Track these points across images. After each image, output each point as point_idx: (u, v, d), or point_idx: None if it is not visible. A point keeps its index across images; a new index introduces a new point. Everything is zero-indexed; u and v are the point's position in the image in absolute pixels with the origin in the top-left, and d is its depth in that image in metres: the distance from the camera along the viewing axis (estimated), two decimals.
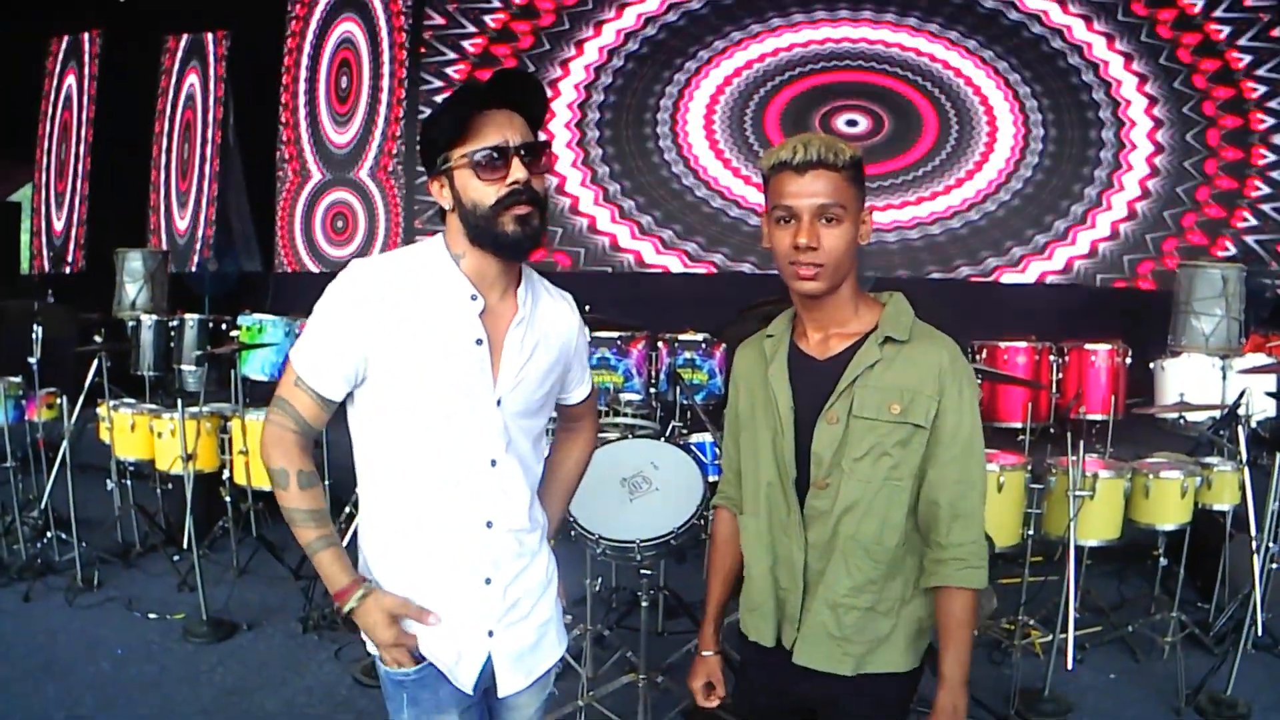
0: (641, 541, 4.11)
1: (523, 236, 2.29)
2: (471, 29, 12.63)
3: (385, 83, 12.96)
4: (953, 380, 2.39)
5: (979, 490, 2.44)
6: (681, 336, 7.53)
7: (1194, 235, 10.63)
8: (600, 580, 5.42)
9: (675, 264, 12.01)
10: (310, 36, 13.32)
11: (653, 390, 7.40)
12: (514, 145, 2.26)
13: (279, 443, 2.36)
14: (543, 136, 2.36)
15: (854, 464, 2.40)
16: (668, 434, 5.55)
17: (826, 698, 2.50)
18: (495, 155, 2.25)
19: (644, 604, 4.47)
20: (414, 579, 2.41)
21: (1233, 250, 10.36)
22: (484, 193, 2.26)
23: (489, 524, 2.41)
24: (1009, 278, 11.14)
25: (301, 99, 13.39)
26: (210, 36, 13.51)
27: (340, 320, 2.30)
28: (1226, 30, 10.54)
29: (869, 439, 2.39)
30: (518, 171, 2.25)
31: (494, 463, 2.40)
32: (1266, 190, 10.42)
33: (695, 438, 5.56)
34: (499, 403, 2.38)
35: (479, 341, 2.35)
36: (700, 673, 2.80)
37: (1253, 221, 10.44)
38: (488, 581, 2.43)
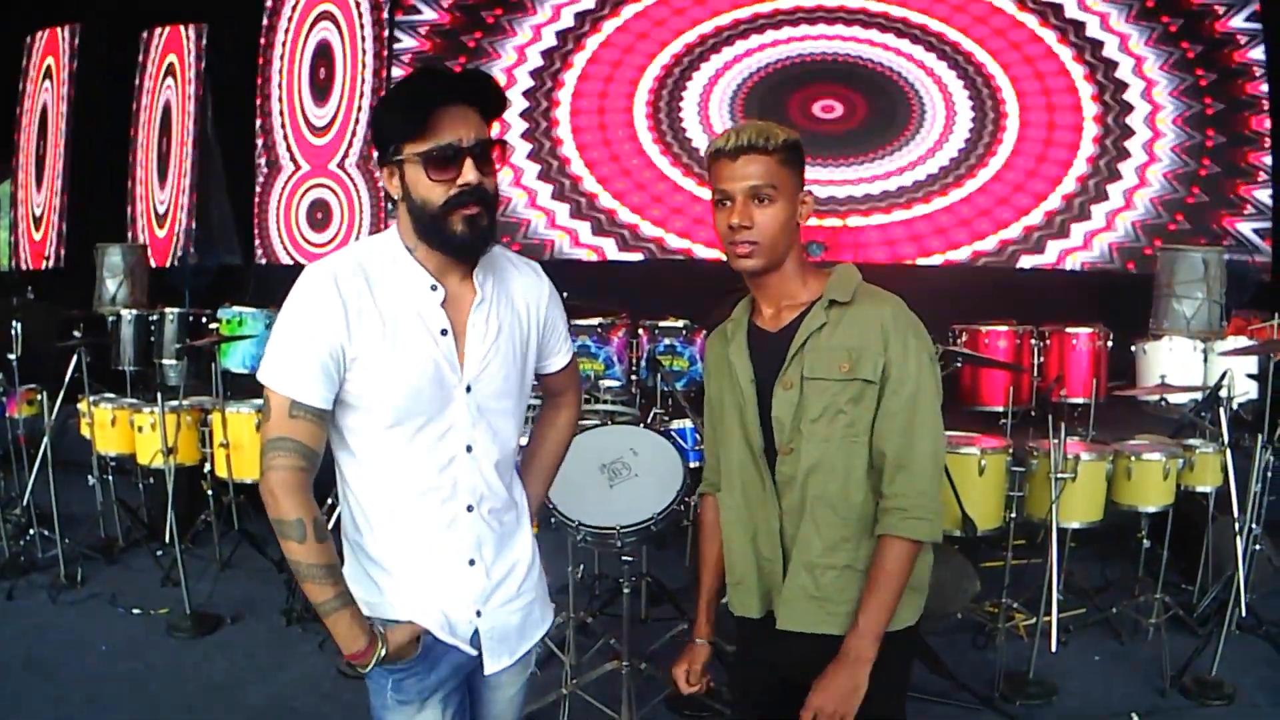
0: (622, 528, 4.12)
1: (471, 237, 2.28)
2: (438, 16, 12.67)
3: (363, 73, 12.93)
4: (896, 334, 2.46)
5: (928, 441, 2.48)
6: (662, 323, 7.53)
7: (1190, 222, 10.70)
8: (582, 568, 5.43)
9: (652, 251, 12.09)
10: (288, 28, 13.28)
11: (633, 377, 7.40)
12: (467, 145, 2.23)
13: (289, 488, 2.23)
14: (496, 131, 2.34)
15: (811, 425, 2.48)
16: (648, 421, 5.55)
17: (819, 664, 2.50)
18: (447, 155, 2.22)
19: (626, 591, 4.46)
20: (398, 566, 2.40)
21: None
22: (433, 191, 2.24)
23: (469, 508, 2.41)
24: (987, 263, 11.20)
25: (280, 91, 13.35)
26: (188, 30, 13.45)
27: (307, 325, 2.24)
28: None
29: (823, 399, 2.47)
30: (469, 173, 2.23)
31: (470, 448, 2.39)
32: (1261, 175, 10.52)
33: (676, 424, 5.58)
34: (469, 389, 2.37)
35: (444, 332, 2.33)
36: (684, 658, 2.83)
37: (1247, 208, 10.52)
38: (471, 563, 2.43)
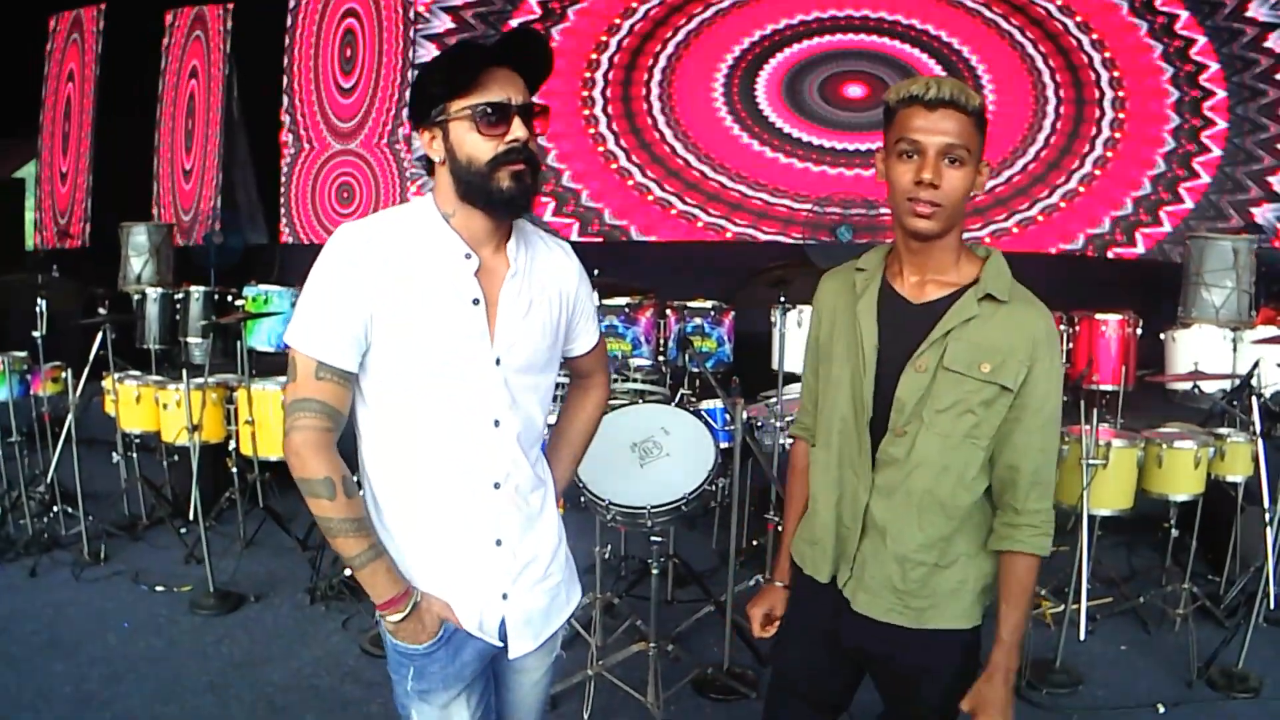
0: (652, 507, 4.10)
1: (517, 194, 2.25)
2: None
3: (390, 53, 12.91)
4: (1047, 349, 2.39)
5: (1054, 457, 2.47)
6: (691, 304, 7.51)
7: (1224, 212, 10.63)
8: (610, 548, 5.42)
9: (679, 232, 12.08)
10: (314, 7, 13.27)
11: (661, 358, 7.39)
12: (516, 104, 2.22)
13: (316, 447, 2.22)
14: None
15: (935, 416, 2.39)
16: (677, 401, 5.53)
17: (883, 651, 2.54)
18: (498, 111, 2.20)
19: (654, 571, 4.46)
20: (426, 545, 2.38)
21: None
22: (481, 148, 2.22)
23: (496, 485, 2.38)
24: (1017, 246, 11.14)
25: (306, 70, 13.34)
26: (213, 9, 13.46)
27: (338, 286, 2.22)
28: None
29: (955, 393, 2.38)
30: (518, 130, 2.22)
31: (497, 423, 2.36)
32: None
33: (705, 404, 5.55)
34: (498, 362, 2.34)
35: (475, 301, 2.30)
36: (765, 600, 2.78)
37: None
38: (498, 543, 2.41)
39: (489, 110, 2.20)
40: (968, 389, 2.36)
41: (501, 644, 2.45)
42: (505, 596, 2.44)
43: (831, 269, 2.69)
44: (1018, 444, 2.40)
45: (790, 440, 2.91)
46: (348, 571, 2.35)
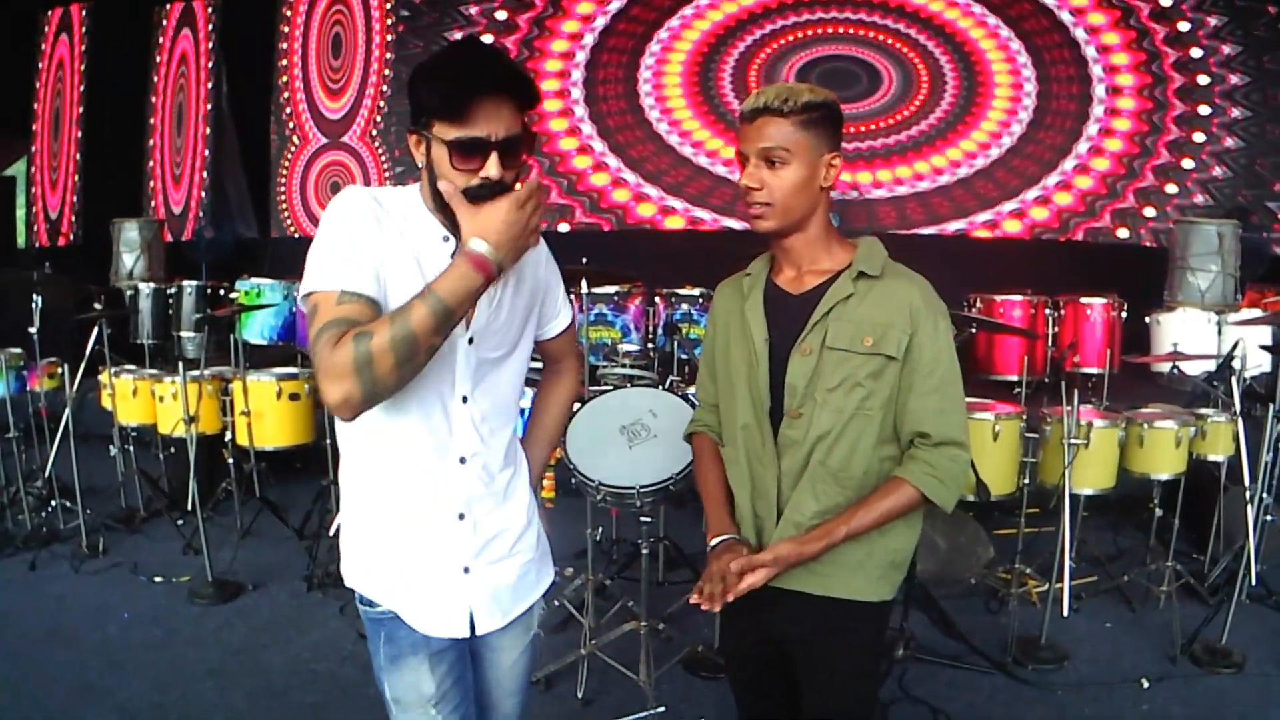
0: (641, 487, 4.14)
1: None
2: None
3: (376, 46, 12.93)
4: (926, 314, 2.48)
5: (961, 416, 2.53)
6: (679, 291, 7.54)
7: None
8: (601, 531, 5.47)
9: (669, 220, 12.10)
10: (303, 2, 13.29)
11: (650, 345, 7.41)
12: (495, 139, 2.21)
13: (339, 343, 2.06)
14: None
15: (827, 394, 2.49)
16: (665, 385, 5.59)
17: (798, 631, 2.59)
18: (474, 147, 2.20)
19: (644, 552, 4.52)
20: (390, 514, 2.43)
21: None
22: (454, 178, 2.22)
23: (462, 459, 2.43)
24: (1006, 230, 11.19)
25: (295, 65, 13.36)
26: (201, 5, 13.47)
27: (352, 228, 2.23)
28: None
29: (842, 370, 2.48)
30: (492, 168, 2.21)
31: (465, 399, 2.41)
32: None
33: (693, 389, 5.60)
34: (471, 341, 2.39)
35: None
36: (724, 556, 2.52)
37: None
38: (461, 517, 2.45)
39: (465, 145, 2.20)
40: (854, 364, 2.48)
41: (464, 635, 2.48)
42: (466, 570, 2.47)
43: (725, 280, 2.83)
44: (915, 410, 2.49)
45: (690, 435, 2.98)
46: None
